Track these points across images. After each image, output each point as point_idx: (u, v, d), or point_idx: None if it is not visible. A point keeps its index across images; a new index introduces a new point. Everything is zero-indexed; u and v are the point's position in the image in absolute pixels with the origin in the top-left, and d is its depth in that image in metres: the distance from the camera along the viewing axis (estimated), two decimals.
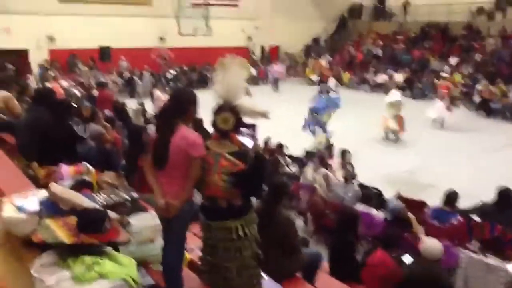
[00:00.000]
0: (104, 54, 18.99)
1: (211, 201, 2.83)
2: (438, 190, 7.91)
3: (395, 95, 11.52)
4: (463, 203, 5.67)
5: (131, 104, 12.04)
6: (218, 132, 2.79)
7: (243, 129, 3.71)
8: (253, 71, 21.00)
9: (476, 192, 6.39)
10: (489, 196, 5.60)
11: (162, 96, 11.43)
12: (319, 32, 25.69)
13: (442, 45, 21.02)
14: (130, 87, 17.97)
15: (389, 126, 11.21)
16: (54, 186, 2.95)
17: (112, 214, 2.85)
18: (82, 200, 2.86)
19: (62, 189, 2.92)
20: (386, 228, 5.16)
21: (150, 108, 11.88)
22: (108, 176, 4.70)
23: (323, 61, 19.30)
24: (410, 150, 10.89)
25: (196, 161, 2.72)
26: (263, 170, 2.93)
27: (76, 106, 5.70)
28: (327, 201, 6.12)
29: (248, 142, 3.15)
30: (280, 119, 9.74)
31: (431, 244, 3.86)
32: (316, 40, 25.66)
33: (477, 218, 5.31)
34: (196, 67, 20.99)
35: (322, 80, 17.62)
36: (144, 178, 5.17)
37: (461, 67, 18.51)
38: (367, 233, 5.42)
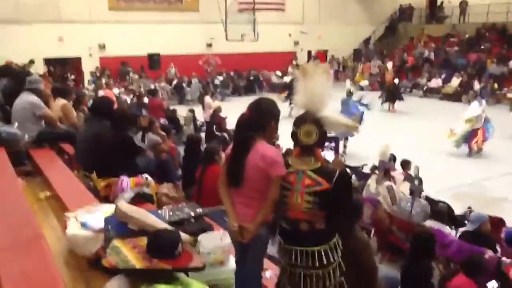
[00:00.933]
0: (154, 62, 19.22)
1: (292, 224, 2.55)
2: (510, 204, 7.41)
3: (474, 110, 10.48)
4: None
5: (181, 111, 12.03)
6: (300, 147, 2.51)
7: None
8: None
9: None
10: None
11: (212, 103, 11.33)
12: (367, 36, 25.08)
13: (500, 47, 19.97)
14: (179, 94, 18.07)
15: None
16: (122, 204, 2.77)
17: (183, 235, 2.64)
18: (152, 220, 2.65)
19: (131, 208, 2.73)
20: (465, 245, 4.70)
21: (200, 115, 11.82)
22: (167, 188, 4.55)
23: (388, 65, 18.17)
24: (475, 160, 10.22)
25: (275, 181, 2.46)
26: (349, 190, 2.63)
27: (134, 115, 5.59)
28: (393, 217, 5.72)
29: (329, 157, 2.85)
30: None
31: None
32: (366, 43, 25.03)
33: None
34: (243, 73, 20.91)
35: (387, 85, 16.41)
36: (203, 190, 5.02)
37: None
38: (439, 253, 4.98)
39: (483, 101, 10.82)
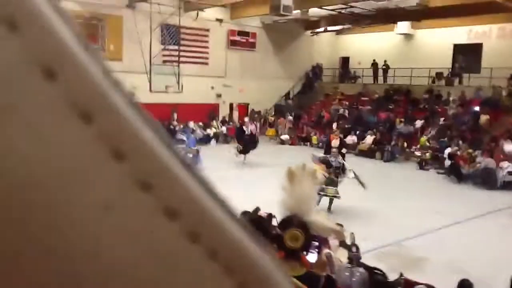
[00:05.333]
0: None
1: None
2: (431, 263, 7.91)
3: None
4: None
5: None
6: (285, 251, 2.48)
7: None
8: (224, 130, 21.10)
9: None
10: None
11: None
12: (287, 91, 26.20)
13: (406, 108, 21.76)
14: None
15: None
16: None
17: None
18: None
19: None
20: None
21: None
22: None
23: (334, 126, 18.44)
24: (392, 221, 10.82)
25: None
26: None
27: None
28: None
29: (312, 258, 2.86)
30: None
31: None
32: (286, 98, 26.10)
33: None
34: (165, 123, 20.68)
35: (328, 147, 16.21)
36: None
37: (426, 130, 19.20)
38: None
39: None
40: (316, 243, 4.28)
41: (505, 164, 14.05)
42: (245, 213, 6.56)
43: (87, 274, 0.21)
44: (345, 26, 24.70)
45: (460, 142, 16.71)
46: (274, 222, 7.44)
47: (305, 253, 2.62)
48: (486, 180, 13.82)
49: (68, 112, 0.20)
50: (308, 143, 21.42)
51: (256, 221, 4.42)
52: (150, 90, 18.25)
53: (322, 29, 25.30)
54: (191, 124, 20.29)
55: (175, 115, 21.06)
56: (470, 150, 15.47)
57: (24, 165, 0.19)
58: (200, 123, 21.29)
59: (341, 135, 16.28)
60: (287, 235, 2.46)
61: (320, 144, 19.05)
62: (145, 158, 0.22)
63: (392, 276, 6.33)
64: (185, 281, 0.22)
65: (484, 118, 18.43)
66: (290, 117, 23.33)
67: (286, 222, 2.50)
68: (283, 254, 2.50)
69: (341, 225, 2.79)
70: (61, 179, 0.20)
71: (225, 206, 0.24)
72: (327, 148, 15.34)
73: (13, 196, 0.19)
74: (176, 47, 19.69)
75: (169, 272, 0.22)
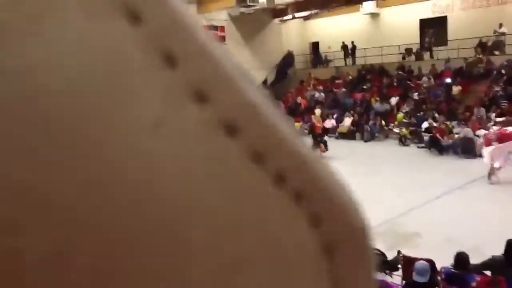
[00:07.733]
0: None
1: None
2: (424, 238, 8.11)
3: None
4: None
5: None
6: None
7: None
8: None
9: None
10: None
11: None
12: (262, 81, 26.19)
13: (380, 87, 22.03)
14: None
15: None
16: None
17: None
18: None
19: None
20: None
21: None
22: None
23: (317, 112, 17.77)
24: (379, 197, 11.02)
25: None
26: None
27: None
28: None
29: None
30: None
31: None
32: (263, 87, 26.03)
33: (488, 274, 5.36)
34: None
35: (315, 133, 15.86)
36: None
37: (402, 106, 19.49)
38: None
39: None
40: None
41: (481, 132, 14.41)
42: None
43: (137, 202, 0.17)
44: (312, 11, 24.80)
45: (436, 114, 17.06)
46: None
47: None
48: (466, 149, 14.19)
49: (112, 10, 0.17)
50: None
51: None
52: None
53: (290, 16, 25.33)
54: None
55: None
56: (447, 122, 15.80)
57: (57, 70, 0.16)
58: None
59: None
60: None
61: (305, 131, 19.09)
62: (202, 64, 0.19)
63: (390, 255, 6.49)
64: (247, 210, 0.19)
65: (456, 89, 18.85)
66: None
67: None
68: None
69: None
70: (102, 88, 0.17)
71: (287, 123, 0.20)
72: (313, 134, 15.48)
73: (43, 104, 0.16)
74: None
75: (229, 199, 0.19)
